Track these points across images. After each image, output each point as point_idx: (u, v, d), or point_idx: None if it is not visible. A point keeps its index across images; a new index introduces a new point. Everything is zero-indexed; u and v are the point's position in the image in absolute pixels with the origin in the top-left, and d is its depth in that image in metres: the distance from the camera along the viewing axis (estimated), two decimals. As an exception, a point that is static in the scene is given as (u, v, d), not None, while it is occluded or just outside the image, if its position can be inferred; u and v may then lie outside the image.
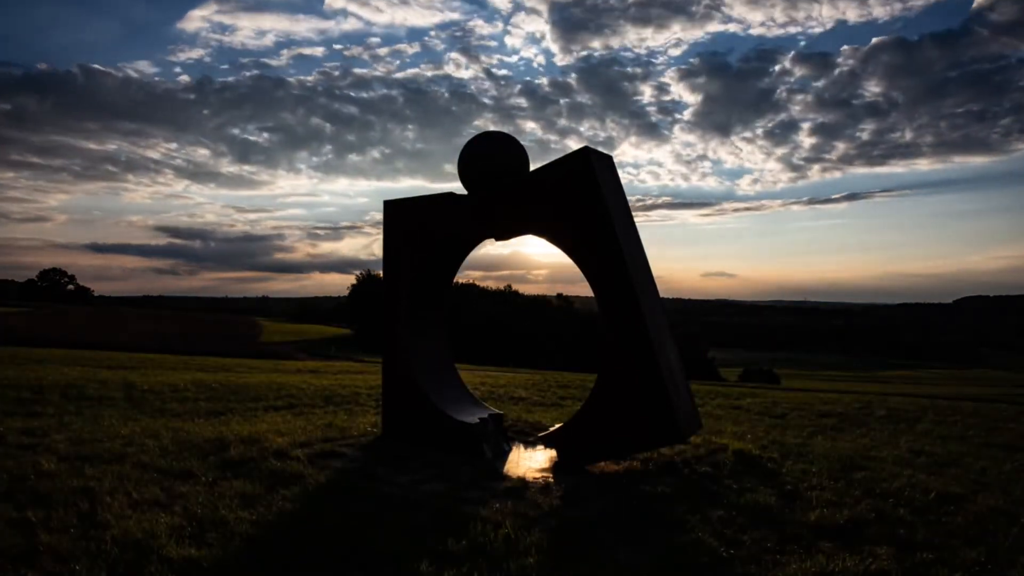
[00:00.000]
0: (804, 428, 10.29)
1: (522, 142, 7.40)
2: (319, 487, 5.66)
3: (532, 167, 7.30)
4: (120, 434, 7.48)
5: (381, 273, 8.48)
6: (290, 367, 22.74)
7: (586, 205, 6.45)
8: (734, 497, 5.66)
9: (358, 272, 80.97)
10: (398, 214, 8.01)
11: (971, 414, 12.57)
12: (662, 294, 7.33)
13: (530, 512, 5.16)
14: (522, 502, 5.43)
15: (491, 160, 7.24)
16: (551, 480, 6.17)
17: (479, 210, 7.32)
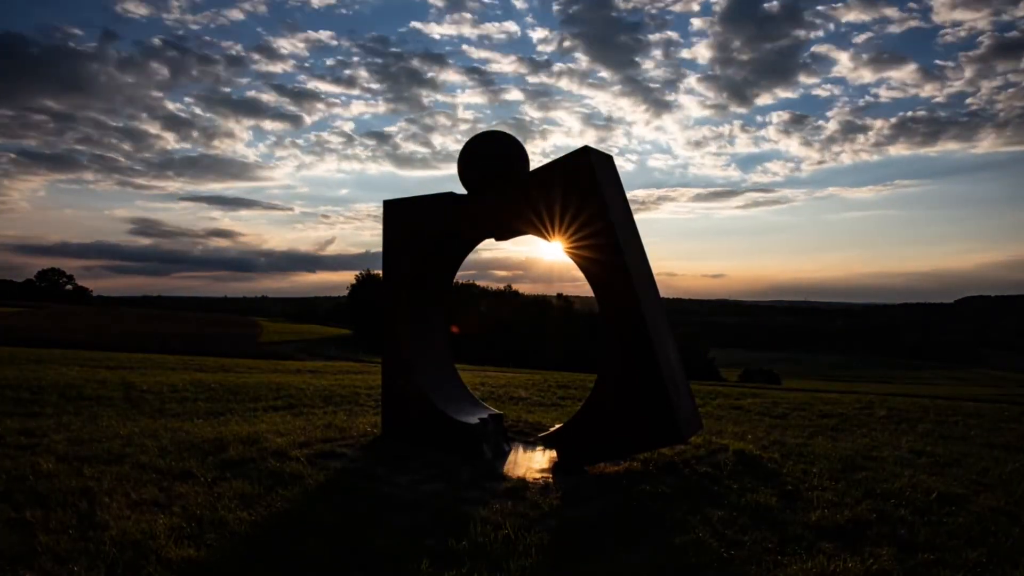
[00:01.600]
0: (805, 428, 10.28)
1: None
2: (319, 487, 5.64)
3: (531, 156, 7.35)
4: (119, 434, 7.46)
5: (381, 273, 8.47)
6: (290, 367, 22.73)
7: (586, 205, 6.44)
8: (734, 497, 5.64)
9: (358, 272, 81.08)
10: (398, 214, 7.99)
11: (972, 414, 12.56)
12: (662, 293, 7.32)
13: (530, 512, 5.15)
14: (522, 502, 5.42)
15: (491, 160, 7.23)
16: (551, 480, 6.16)
17: (479, 210, 7.31)
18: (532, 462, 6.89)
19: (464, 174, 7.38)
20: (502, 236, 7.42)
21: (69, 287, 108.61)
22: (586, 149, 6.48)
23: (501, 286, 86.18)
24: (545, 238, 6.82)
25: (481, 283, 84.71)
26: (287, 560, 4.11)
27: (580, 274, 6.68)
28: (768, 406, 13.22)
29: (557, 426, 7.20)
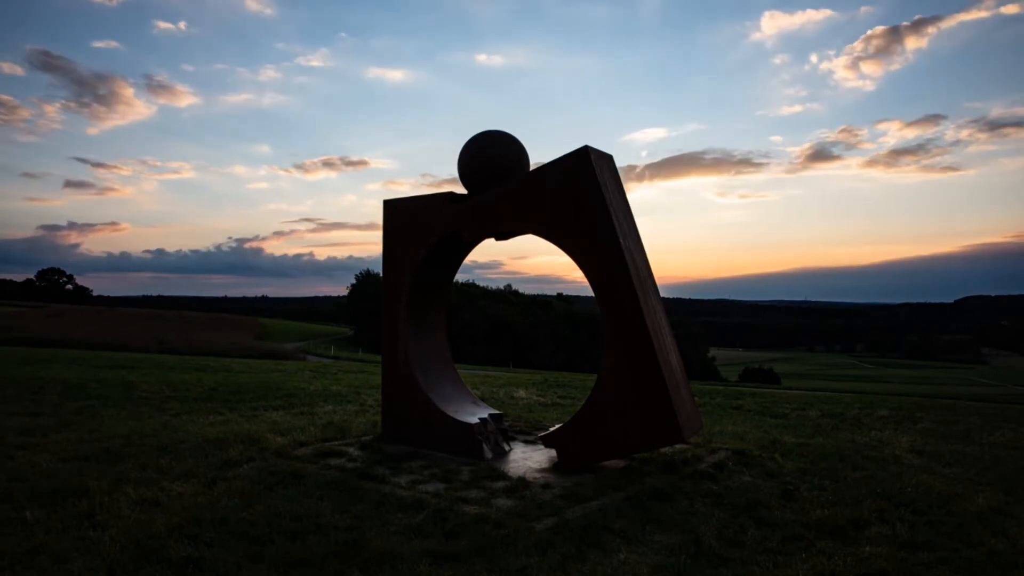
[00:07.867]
0: (804, 427, 10.28)
1: None
2: (319, 487, 5.65)
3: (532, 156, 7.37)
4: (119, 434, 7.47)
5: (381, 273, 8.47)
6: (290, 367, 22.73)
7: (586, 205, 6.44)
8: (734, 497, 5.65)
9: (358, 272, 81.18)
10: (397, 213, 7.99)
11: (972, 414, 12.56)
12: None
13: (530, 511, 5.15)
14: (522, 501, 5.42)
15: (491, 159, 7.23)
16: (551, 479, 6.16)
17: (479, 209, 7.31)
18: (532, 461, 6.89)
19: (464, 173, 7.38)
20: (502, 236, 7.42)
21: (69, 287, 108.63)
22: (586, 149, 6.48)
23: (501, 286, 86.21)
24: (545, 237, 6.82)
25: (481, 283, 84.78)
26: (287, 560, 4.10)
27: (580, 273, 6.69)
28: (768, 405, 13.23)
29: (557, 425, 7.20)
